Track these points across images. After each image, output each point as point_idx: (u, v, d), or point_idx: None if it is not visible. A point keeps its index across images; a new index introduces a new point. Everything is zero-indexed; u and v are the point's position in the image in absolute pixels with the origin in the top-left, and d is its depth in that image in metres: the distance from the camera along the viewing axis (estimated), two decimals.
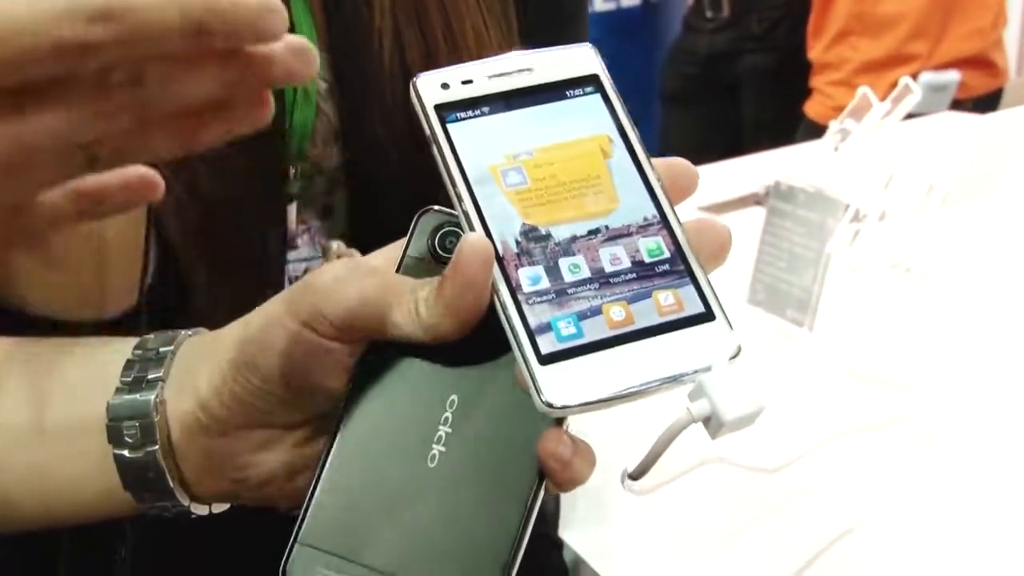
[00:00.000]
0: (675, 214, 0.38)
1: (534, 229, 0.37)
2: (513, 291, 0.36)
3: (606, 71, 0.41)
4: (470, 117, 0.38)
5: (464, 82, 0.39)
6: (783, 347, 1.17)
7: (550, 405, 0.34)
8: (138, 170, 0.33)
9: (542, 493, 0.37)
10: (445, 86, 0.39)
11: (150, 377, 0.42)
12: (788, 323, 1.18)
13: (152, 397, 0.42)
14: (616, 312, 0.36)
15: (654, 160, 0.39)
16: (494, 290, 0.36)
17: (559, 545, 0.85)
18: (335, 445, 0.38)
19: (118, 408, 0.42)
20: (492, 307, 0.36)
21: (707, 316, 0.37)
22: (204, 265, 0.54)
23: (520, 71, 0.39)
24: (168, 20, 0.26)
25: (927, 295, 1.27)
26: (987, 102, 2.28)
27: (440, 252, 0.40)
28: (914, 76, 2.01)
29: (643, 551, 0.89)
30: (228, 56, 0.29)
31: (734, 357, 0.36)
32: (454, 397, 0.38)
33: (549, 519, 0.84)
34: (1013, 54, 3.12)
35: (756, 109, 2.63)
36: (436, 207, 0.41)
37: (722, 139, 2.58)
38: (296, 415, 0.40)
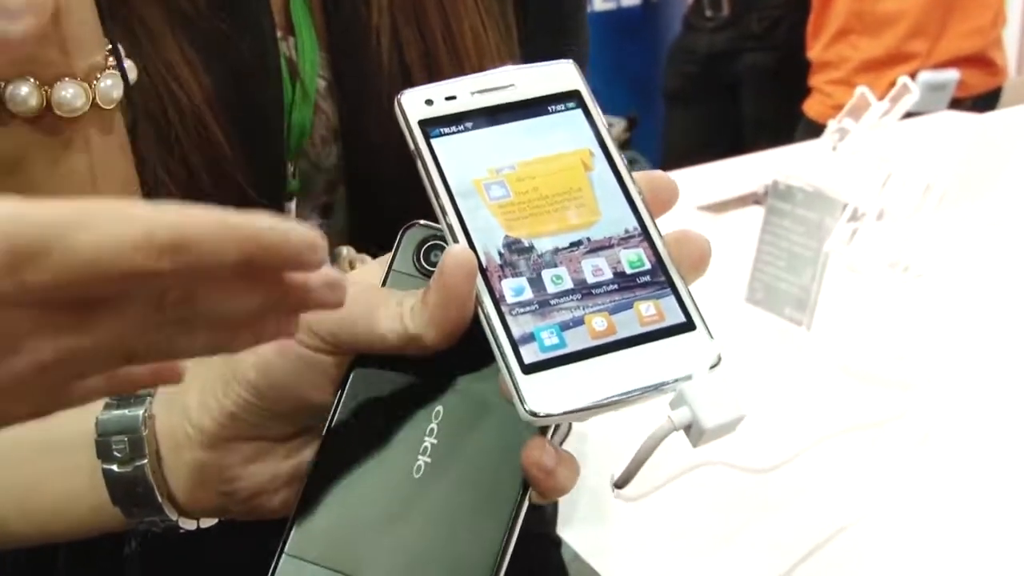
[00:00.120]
0: (656, 226, 0.39)
1: (517, 241, 0.37)
2: (496, 302, 0.36)
3: (587, 86, 0.41)
4: (454, 132, 0.39)
5: (448, 98, 0.39)
6: (781, 346, 1.18)
7: (534, 414, 0.35)
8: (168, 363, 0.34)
9: (527, 502, 0.38)
10: (429, 102, 0.39)
11: (139, 392, 0.43)
12: (786, 322, 1.18)
13: (141, 412, 0.42)
14: (598, 322, 0.37)
15: (635, 173, 0.40)
16: (478, 301, 0.36)
17: (558, 543, 0.85)
18: (321, 457, 0.39)
19: (107, 423, 0.42)
20: (476, 318, 0.36)
21: (688, 326, 0.37)
22: None
23: (503, 87, 0.40)
24: (226, 254, 0.28)
25: (925, 294, 1.27)
26: (986, 101, 2.28)
27: (425, 266, 0.40)
28: (913, 75, 2.02)
29: (641, 549, 0.89)
30: (270, 280, 0.31)
31: (715, 366, 0.36)
32: (439, 408, 0.39)
33: (548, 518, 0.84)
34: (1012, 53, 3.12)
35: (756, 108, 2.64)
36: (421, 221, 0.41)
37: (722, 137, 2.58)
38: (286, 427, 0.41)
